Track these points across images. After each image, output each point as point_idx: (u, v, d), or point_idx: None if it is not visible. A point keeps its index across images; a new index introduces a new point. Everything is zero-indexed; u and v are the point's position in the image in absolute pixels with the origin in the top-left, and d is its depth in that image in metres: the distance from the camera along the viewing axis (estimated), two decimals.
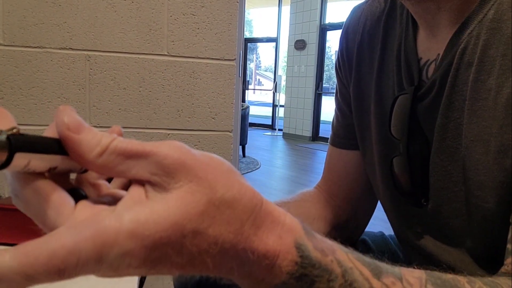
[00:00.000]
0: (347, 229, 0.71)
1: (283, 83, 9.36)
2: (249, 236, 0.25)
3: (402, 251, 0.72)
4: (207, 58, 1.20)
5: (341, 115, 0.69)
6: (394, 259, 0.69)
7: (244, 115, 5.18)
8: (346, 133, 0.68)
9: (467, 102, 0.45)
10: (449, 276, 0.35)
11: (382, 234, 0.76)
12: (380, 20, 0.58)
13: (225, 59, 1.21)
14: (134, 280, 0.37)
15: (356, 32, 0.62)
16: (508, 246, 0.39)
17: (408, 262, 0.69)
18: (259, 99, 21.11)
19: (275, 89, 9.00)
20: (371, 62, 0.59)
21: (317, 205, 0.69)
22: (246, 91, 10.70)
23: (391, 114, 0.54)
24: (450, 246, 0.51)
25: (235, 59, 1.22)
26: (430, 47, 0.51)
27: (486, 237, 0.46)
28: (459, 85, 0.46)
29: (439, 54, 0.49)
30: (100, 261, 0.22)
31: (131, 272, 0.24)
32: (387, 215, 0.63)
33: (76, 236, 0.21)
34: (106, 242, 0.22)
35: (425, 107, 0.50)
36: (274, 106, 9.52)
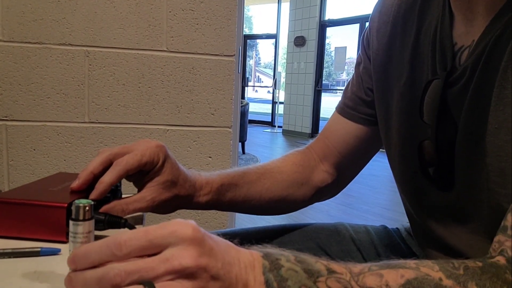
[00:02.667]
0: (328, 193, 0.75)
1: (282, 80, 9.35)
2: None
3: (404, 242, 0.72)
4: (206, 54, 1.20)
5: (357, 86, 0.69)
6: (397, 252, 0.70)
7: (244, 112, 5.17)
8: (356, 105, 0.69)
9: (495, 90, 0.45)
10: (395, 260, 0.38)
11: (385, 227, 0.76)
12: (415, 4, 0.58)
13: (224, 55, 1.21)
14: None
15: (390, 14, 0.62)
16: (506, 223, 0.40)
17: (411, 253, 0.69)
18: (259, 96, 21.09)
19: (275, 86, 8.99)
20: (402, 46, 0.59)
21: (306, 170, 0.71)
22: (246, 88, 10.68)
23: (422, 98, 0.54)
24: (463, 232, 0.52)
25: (234, 55, 1.22)
26: (466, 32, 0.51)
27: (498, 224, 0.47)
28: (489, 72, 0.46)
29: (473, 41, 0.49)
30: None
31: None
32: (402, 194, 0.63)
33: None
34: None
35: (456, 92, 0.50)
36: (273, 103, 9.52)
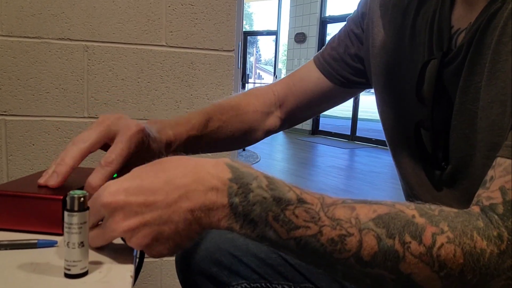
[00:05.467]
0: (270, 134, 0.79)
1: (282, 76, 9.33)
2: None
3: None
4: (206, 49, 1.20)
5: (343, 48, 0.71)
6: None
7: None
8: (336, 64, 0.71)
9: (487, 65, 0.45)
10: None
11: None
12: None
13: (224, 50, 1.21)
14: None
15: None
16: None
17: None
18: None
19: None
20: (402, 28, 0.60)
21: (263, 117, 0.75)
22: (246, 85, 10.67)
23: (419, 79, 0.55)
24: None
25: (233, 50, 1.21)
26: (464, 15, 0.52)
27: None
28: (483, 49, 0.47)
29: (470, 23, 0.50)
30: None
31: None
32: (400, 173, 0.64)
33: None
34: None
35: (451, 72, 0.51)
36: None
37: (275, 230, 0.37)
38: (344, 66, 0.71)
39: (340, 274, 0.38)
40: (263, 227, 0.37)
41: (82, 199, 0.36)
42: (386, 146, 0.67)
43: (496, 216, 0.37)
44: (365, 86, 0.73)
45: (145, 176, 0.38)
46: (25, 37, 1.09)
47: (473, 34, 0.48)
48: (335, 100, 0.76)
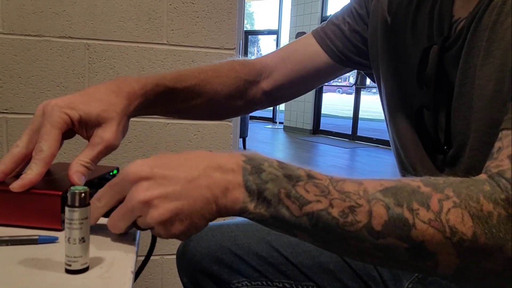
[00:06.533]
0: (255, 109, 0.77)
1: None
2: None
3: None
4: (207, 47, 1.20)
5: (347, 27, 0.69)
6: None
7: None
8: (337, 41, 0.70)
9: (484, 44, 0.46)
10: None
11: None
12: None
13: (225, 48, 1.20)
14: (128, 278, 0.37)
15: None
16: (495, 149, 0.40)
17: None
18: None
19: None
20: (406, 14, 0.60)
21: (244, 83, 0.70)
22: None
23: (419, 65, 0.55)
24: None
25: (234, 48, 1.21)
26: (465, 5, 0.52)
27: None
28: (480, 31, 0.47)
29: (470, 12, 0.50)
30: None
31: None
32: (399, 157, 0.64)
33: None
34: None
35: (451, 56, 0.52)
36: None
37: (288, 207, 0.37)
38: (347, 44, 0.69)
39: (355, 251, 0.38)
40: (276, 205, 0.38)
41: (83, 194, 0.36)
42: (387, 146, 0.67)
43: (504, 180, 0.37)
44: (362, 67, 0.72)
45: (168, 157, 0.40)
46: (26, 35, 1.09)
47: (470, 20, 0.49)
48: (325, 77, 0.74)
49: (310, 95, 7.87)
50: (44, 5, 1.09)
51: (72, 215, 0.35)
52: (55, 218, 0.44)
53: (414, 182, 0.38)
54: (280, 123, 8.84)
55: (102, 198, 0.41)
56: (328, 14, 7.74)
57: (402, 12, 0.61)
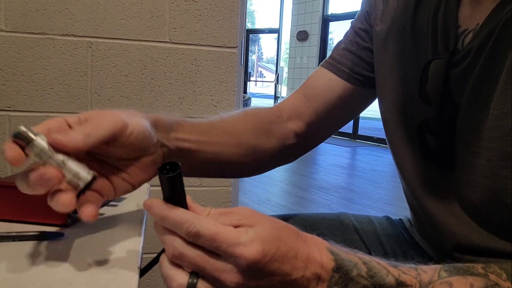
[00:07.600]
0: (292, 153, 0.71)
1: (285, 74, 9.33)
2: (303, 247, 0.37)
3: (407, 232, 0.72)
4: (209, 46, 1.20)
5: (352, 43, 0.67)
6: (400, 242, 0.70)
7: (246, 106, 5.17)
8: (346, 60, 0.66)
9: (503, 74, 0.44)
10: (464, 264, 0.38)
11: (388, 218, 0.76)
12: None
13: (227, 47, 1.21)
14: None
15: None
16: None
17: (414, 243, 0.69)
18: (261, 91, 21.06)
19: (277, 81, 8.97)
20: (403, 21, 0.58)
21: (265, 123, 0.64)
22: (248, 82, 10.66)
23: (422, 78, 0.53)
24: (462, 213, 0.52)
25: (237, 46, 1.22)
26: (472, 15, 0.50)
27: (498, 208, 0.47)
28: (496, 57, 0.45)
29: (478, 24, 0.49)
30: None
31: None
32: (402, 174, 0.63)
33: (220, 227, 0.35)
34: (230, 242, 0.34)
35: (458, 73, 0.50)
36: (276, 97, 9.51)
37: None
38: (359, 63, 0.66)
39: None
40: None
41: (23, 128, 0.35)
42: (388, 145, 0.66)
43: None
44: None
45: (285, 245, 0.36)
46: (29, 33, 1.09)
47: (485, 38, 0.46)
48: (355, 105, 0.69)
49: None
50: (47, 3, 1.09)
51: (36, 148, 0.36)
52: (61, 214, 0.45)
53: (502, 281, 0.37)
54: None
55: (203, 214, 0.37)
56: (329, 13, 7.74)
57: (398, 20, 0.58)
